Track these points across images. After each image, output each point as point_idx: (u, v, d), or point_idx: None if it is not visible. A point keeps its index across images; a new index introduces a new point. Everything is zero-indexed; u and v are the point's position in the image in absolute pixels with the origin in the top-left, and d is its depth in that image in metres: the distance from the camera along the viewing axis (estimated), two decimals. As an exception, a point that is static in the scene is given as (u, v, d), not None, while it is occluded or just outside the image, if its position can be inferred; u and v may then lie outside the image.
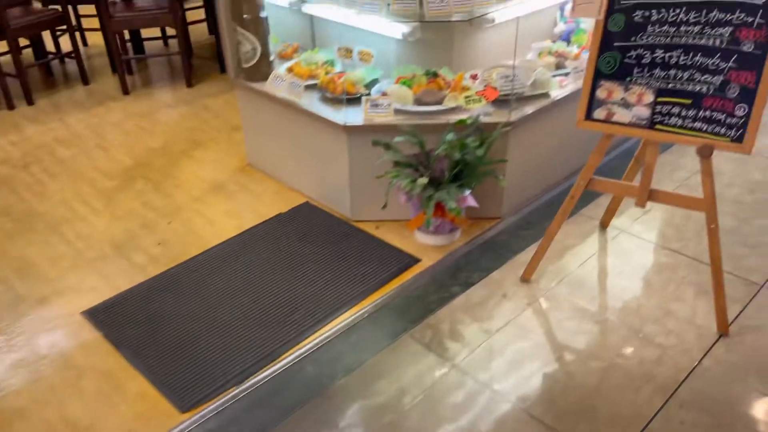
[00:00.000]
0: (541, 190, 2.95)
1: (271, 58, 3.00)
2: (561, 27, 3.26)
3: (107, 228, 2.85)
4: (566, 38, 3.18)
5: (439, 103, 2.63)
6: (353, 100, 2.72)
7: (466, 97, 2.59)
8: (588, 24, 3.11)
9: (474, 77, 2.81)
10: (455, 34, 2.80)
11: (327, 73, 2.93)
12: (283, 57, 3.25)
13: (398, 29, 2.63)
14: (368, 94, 2.75)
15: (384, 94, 2.67)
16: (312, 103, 2.80)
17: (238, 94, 3.16)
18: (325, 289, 2.41)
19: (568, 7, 3.22)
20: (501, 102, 2.65)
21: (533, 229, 2.70)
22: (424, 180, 2.33)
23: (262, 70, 2.97)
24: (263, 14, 2.89)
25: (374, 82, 2.85)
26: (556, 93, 2.77)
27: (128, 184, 3.19)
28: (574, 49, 3.02)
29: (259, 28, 2.88)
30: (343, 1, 2.76)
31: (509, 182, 2.71)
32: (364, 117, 2.60)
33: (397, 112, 2.62)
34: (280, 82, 2.86)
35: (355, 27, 2.76)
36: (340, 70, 2.99)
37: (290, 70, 2.96)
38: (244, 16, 2.85)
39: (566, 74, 2.89)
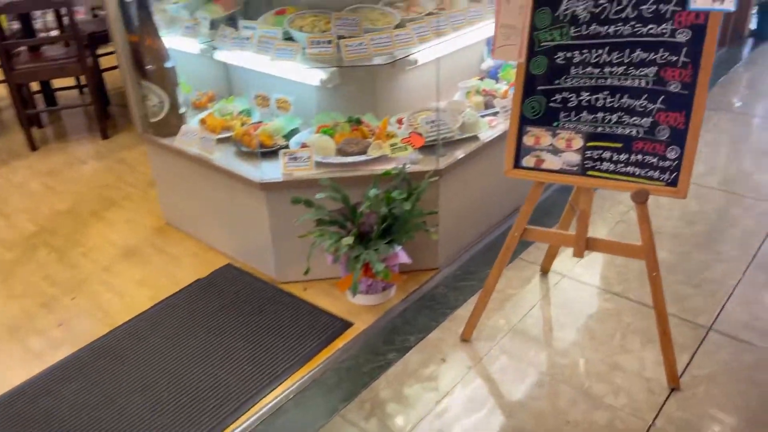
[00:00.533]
0: (478, 235, 2.81)
1: (182, 110, 2.78)
2: (488, 63, 3.16)
3: (0, 310, 2.54)
4: (494, 74, 3.08)
5: (363, 152, 2.46)
6: (272, 152, 2.52)
7: (392, 145, 2.43)
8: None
9: (400, 122, 2.66)
10: (377, 78, 2.65)
11: (243, 123, 2.73)
12: (198, 106, 3.03)
13: (315, 76, 2.46)
14: (287, 146, 2.56)
15: (304, 145, 2.49)
16: (226, 158, 2.58)
17: (148, 150, 2.92)
18: (247, 367, 2.17)
19: (494, 42, 3.12)
20: (429, 147, 2.50)
21: (472, 279, 2.54)
22: (349, 240, 2.14)
23: (171, 123, 2.74)
24: (169, 64, 2.67)
25: (294, 131, 2.66)
26: (486, 135, 2.64)
27: (29, 255, 2.88)
28: (502, 86, 2.91)
29: (166, 79, 2.66)
30: (256, 47, 2.57)
31: (444, 230, 2.55)
32: (283, 172, 2.41)
33: (319, 164, 2.43)
34: (191, 136, 2.64)
35: (272, 73, 2.58)
36: (257, 119, 2.79)
37: (203, 122, 2.75)
38: (148, 67, 2.63)
39: (495, 113, 2.77)
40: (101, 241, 2.96)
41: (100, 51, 4.42)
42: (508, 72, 3.01)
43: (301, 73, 2.51)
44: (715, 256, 2.59)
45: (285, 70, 2.54)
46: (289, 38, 2.59)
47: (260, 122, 2.72)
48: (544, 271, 2.56)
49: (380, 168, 2.41)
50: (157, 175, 2.96)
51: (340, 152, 2.48)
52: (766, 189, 3.07)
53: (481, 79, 3.07)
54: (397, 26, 2.57)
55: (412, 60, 2.50)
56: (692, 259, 2.59)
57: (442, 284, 2.54)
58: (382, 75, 2.64)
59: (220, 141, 2.66)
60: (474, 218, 2.75)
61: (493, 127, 2.71)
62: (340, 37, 2.47)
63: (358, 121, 2.60)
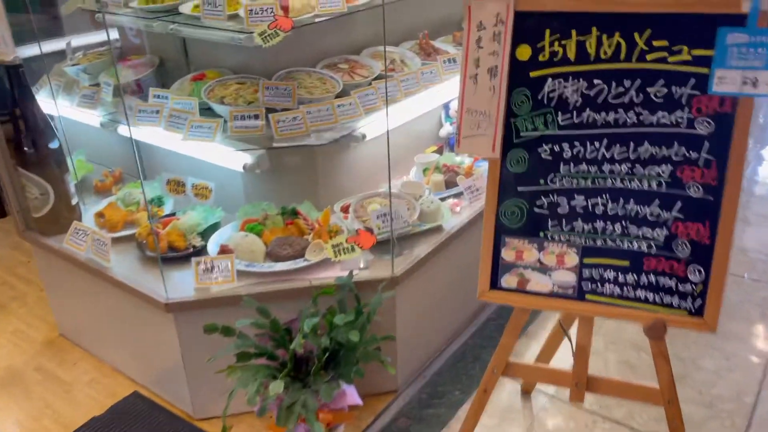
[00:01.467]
0: (444, 341, 2.33)
1: (75, 200, 2.23)
2: (447, 129, 2.73)
3: None
4: (454, 143, 2.65)
5: (300, 255, 1.97)
6: (184, 257, 2.00)
7: (335, 246, 1.95)
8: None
9: (345, 209, 2.19)
10: (317, 158, 2.18)
11: (152, 216, 2.20)
12: (101, 190, 2.50)
13: (239, 159, 1.98)
14: (204, 248, 2.05)
15: (224, 249, 1.98)
16: (126, 265, 2.05)
17: (34, 251, 2.36)
18: None
19: (454, 105, 2.71)
20: (382, 244, 2.02)
21: (440, 405, 2.05)
22: (278, 386, 1.62)
23: (61, 217, 2.19)
24: (54, 144, 2.13)
25: (214, 227, 2.15)
26: (450, 224, 2.19)
27: None
28: (465, 161, 2.48)
29: (49, 165, 2.12)
30: (166, 122, 2.07)
31: (402, 344, 2.07)
32: (196, 286, 1.89)
33: (242, 274, 1.93)
34: (81, 236, 2.10)
35: (187, 154, 2.08)
36: (170, 210, 2.27)
37: (99, 216, 2.21)
38: (25, 149, 2.09)
39: (459, 195, 2.33)
40: (-26, 362, 2.36)
41: None
42: (471, 141, 2.58)
43: (222, 156, 2.02)
44: (724, 362, 2.18)
45: (202, 151, 2.04)
46: (208, 109, 2.11)
47: (172, 215, 2.20)
48: (526, 391, 2.09)
49: (321, 277, 1.92)
50: (45, 280, 2.40)
51: (271, 256, 1.98)
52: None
53: (440, 150, 2.64)
54: (339, 95, 2.13)
55: (358, 135, 2.05)
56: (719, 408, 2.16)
57: (403, 413, 2.04)
58: (323, 154, 2.17)
59: (122, 240, 2.13)
60: (438, 323, 2.27)
61: (458, 212, 2.26)
62: (269, 110, 2.00)
63: (294, 213, 2.11)
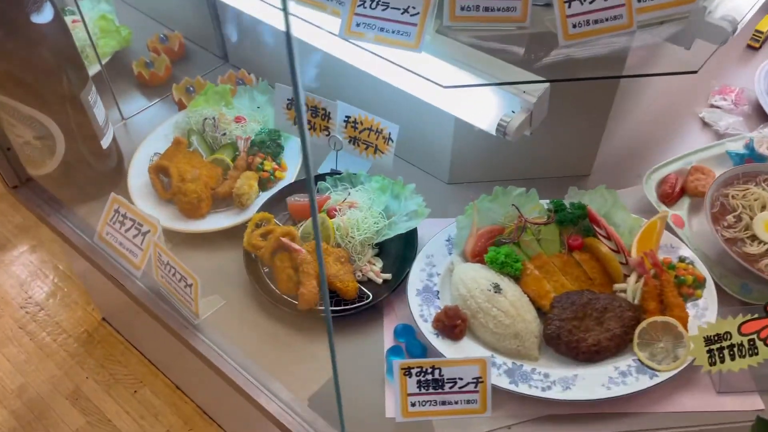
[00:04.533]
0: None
1: (107, 137, 1.09)
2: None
3: None
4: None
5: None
6: (352, 311, 0.92)
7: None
8: None
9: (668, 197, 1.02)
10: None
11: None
12: (150, 83, 1.35)
13: (490, 106, 0.82)
14: (397, 288, 0.95)
15: (452, 315, 0.88)
16: (230, 316, 0.98)
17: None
18: None
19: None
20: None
21: None
22: None
23: (81, 178, 1.09)
24: (46, 15, 0.94)
25: (406, 241, 1.03)
26: None
27: None
28: None
29: (46, 72, 0.95)
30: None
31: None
32: (398, 416, 0.83)
33: (501, 394, 0.85)
34: (130, 231, 1.00)
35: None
36: (294, 171, 1.13)
37: (159, 170, 1.09)
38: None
39: None
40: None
41: None
42: None
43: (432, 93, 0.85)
44: None
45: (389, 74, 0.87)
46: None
47: (326, 196, 1.07)
48: None
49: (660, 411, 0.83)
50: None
51: (564, 345, 0.88)
52: None
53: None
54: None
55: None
56: None
57: None
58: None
59: (214, 239, 1.03)
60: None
61: None
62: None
63: (581, 216, 0.96)
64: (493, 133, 0.87)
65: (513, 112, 0.87)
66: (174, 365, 1.45)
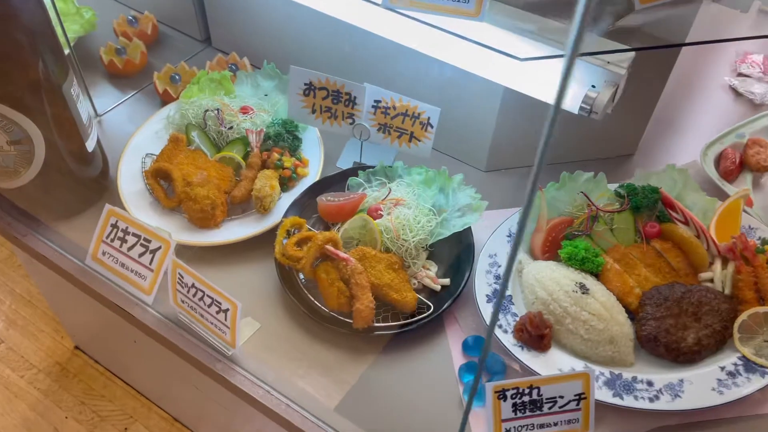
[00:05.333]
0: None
1: (91, 140, 0.91)
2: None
3: None
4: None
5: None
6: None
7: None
8: None
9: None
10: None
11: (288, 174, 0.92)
12: (121, 73, 1.15)
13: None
14: (456, 296, 0.83)
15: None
16: (266, 340, 0.83)
17: (24, 262, 1.07)
18: None
19: None
20: None
21: None
22: None
23: (64, 188, 0.90)
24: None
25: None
26: None
27: None
28: None
29: (22, 64, 0.77)
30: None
31: None
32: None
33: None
34: (133, 248, 0.83)
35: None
36: (318, 163, 0.98)
37: (157, 173, 0.92)
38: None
39: None
40: None
41: None
42: None
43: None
44: None
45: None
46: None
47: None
48: None
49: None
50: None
51: (661, 346, 0.78)
52: None
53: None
54: None
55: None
56: None
57: None
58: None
59: (224, 253, 0.88)
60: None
61: None
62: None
63: (655, 201, 0.87)
64: (575, 111, 0.76)
65: (593, 86, 0.76)
66: (170, 394, 1.28)
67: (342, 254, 0.81)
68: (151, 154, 0.98)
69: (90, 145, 0.90)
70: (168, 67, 1.13)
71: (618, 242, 0.85)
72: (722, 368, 0.76)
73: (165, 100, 1.10)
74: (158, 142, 1.00)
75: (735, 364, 0.76)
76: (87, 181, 0.94)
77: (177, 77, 1.11)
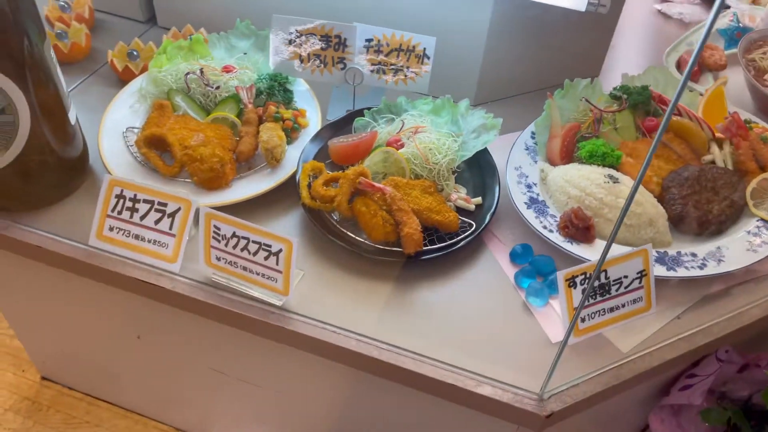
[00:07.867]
0: None
1: (72, 113, 0.82)
2: None
3: None
4: None
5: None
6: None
7: None
8: None
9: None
10: None
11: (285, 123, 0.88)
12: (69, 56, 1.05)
13: None
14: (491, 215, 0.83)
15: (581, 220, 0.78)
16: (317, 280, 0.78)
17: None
18: None
19: None
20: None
21: None
22: None
23: (54, 166, 0.80)
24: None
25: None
26: None
27: None
28: None
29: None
30: None
31: None
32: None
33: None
34: (148, 217, 0.76)
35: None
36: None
37: (150, 141, 0.85)
38: None
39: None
40: None
41: None
42: None
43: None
44: None
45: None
46: None
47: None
48: None
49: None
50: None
51: (683, 222, 0.83)
52: None
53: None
54: None
55: None
56: None
57: None
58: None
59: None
60: None
61: None
62: None
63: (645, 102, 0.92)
64: (583, 9, 0.79)
65: (594, -16, 0.80)
66: (175, 399, 1.16)
67: (378, 185, 0.78)
68: (133, 128, 0.90)
69: (72, 116, 0.81)
70: (121, 45, 1.05)
71: (623, 139, 0.90)
72: (748, 232, 0.82)
73: (125, 78, 1.02)
74: (136, 116, 0.92)
75: (757, 227, 0.82)
76: (69, 162, 0.84)
77: (135, 53, 1.03)
